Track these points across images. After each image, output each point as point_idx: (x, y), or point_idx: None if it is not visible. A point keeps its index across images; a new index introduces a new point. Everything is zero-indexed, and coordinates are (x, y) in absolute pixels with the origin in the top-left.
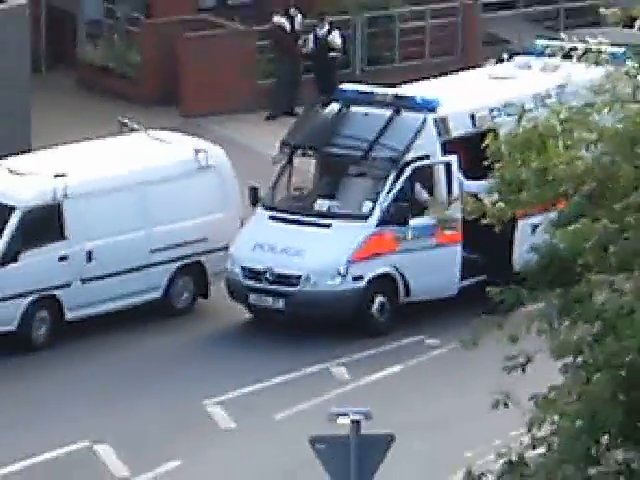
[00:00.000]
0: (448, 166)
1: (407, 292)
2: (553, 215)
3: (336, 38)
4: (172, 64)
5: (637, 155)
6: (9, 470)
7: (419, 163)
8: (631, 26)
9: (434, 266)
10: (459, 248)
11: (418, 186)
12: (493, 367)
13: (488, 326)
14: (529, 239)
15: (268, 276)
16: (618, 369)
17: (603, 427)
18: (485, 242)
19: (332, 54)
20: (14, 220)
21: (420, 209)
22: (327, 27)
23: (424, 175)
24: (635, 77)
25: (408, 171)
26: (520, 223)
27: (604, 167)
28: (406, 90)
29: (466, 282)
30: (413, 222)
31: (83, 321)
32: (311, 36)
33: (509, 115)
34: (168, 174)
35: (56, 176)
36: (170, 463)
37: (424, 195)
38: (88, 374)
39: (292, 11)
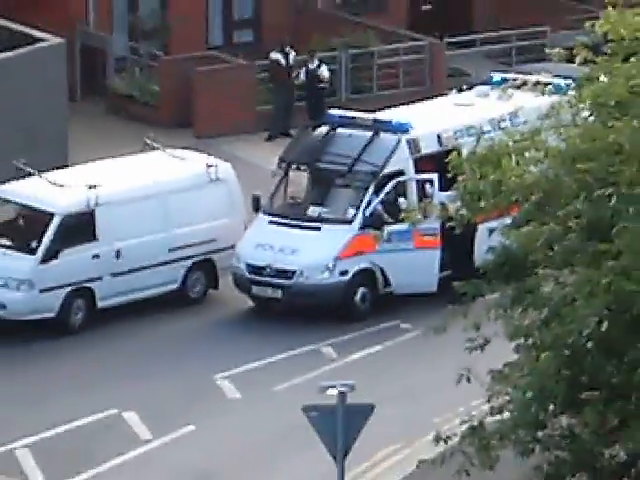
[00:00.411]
0: (431, 181)
1: (386, 284)
2: (507, 220)
3: (324, 72)
4: (186, 93)
5: (577, 170)
6: (52, 433)
7: (402, 178)
8: (572, 61)
9: (413, 266)
10: (438, 252)
11: (401, 197)
12: (457, 348)
13: (455, 314)
14: (487, 241)
15: (268, 271)
16: (562, 349)
17: (549, 398)
18: (451, 243)
19: (321, 85)
20: (54, 224)
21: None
22: (317, 62)
23: (402, 188)
24: (575, 106)
25: (391, 185)
26: (480, 227)
27: (549, 180)
28: (383, 115)
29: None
30: (392, 227)
31: (113, 309)
32: (303, 70)
33: (470, 136)
34: (184, 185)
35: (89, 187)
36: (186, 427)
37: (404, 205)
38: (117, 353)
39: (287, 48)
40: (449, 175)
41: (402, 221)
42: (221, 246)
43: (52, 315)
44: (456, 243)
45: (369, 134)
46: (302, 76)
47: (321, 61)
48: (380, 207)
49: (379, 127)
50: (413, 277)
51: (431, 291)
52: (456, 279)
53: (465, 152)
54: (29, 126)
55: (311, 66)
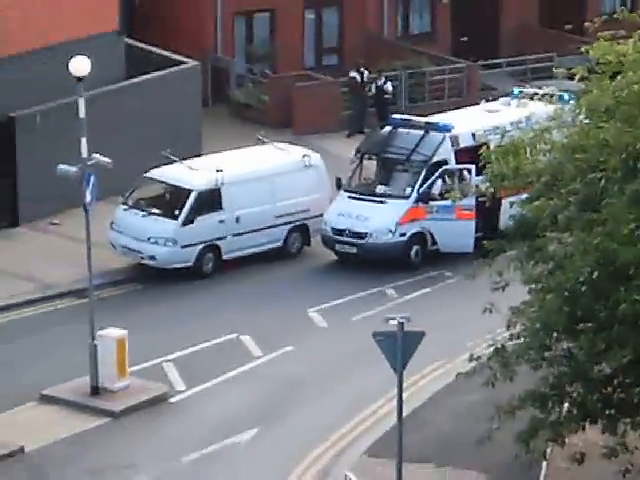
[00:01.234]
0: (469, 170)
1: (433, 244)
2: (523, 196)
3: (389, 86)
4: (288, 102)
5: (576, 159)
6: (189, 351)
7: (448, 166)
8: (573, 79)
9: (454, 232)
10: (473, 222)
11: (448, 180)
12: (485, 290)
13: (483, 265)
14: (509, 211)
15: (347, 233)
16: (563, 292)
17: (553, 327)
18: (483, 213)
19: (386, 96)
20: (192, 198)
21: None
22: (383, 79)
23: (447, 173)
24: (574, 112)
25: (440, 171)
26: (503, 201)
27: (554, 166)
28: (432, 118)
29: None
30: (439, 203)
31: (234, 260)
32: (373, 85)
33: (496, 134)
34: (286, 169)
35: (217, 171)
36: (287, 347)
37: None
38: (237, 292)
39: (361, 69)
40: (480, 164)
41: (446, 199)
42: (313, 214)
43: (190, 264)
44: (486, 213)
45: (422, 132)
46: (373, 89)
47: (387, 78)
48: (429, 187)
49: (429, 127)
50: (454, 240)
51: (468, 251)
52: (486, 239)
53: (492, 146)
54: (173, 125)
55: (379, 82)
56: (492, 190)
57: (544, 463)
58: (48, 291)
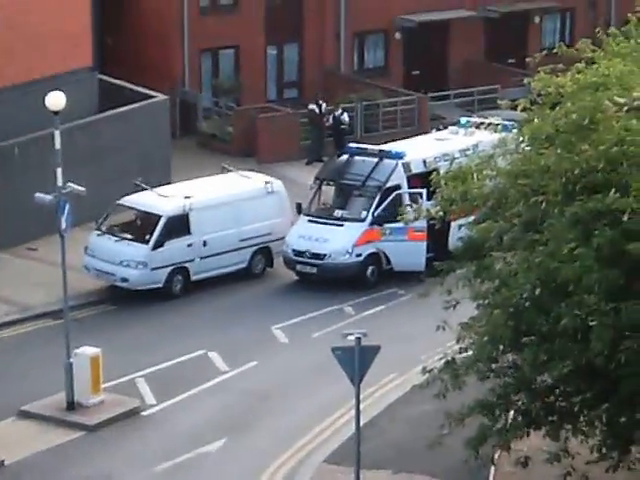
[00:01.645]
0: (421, 194)
1: (388, 264)
2: (471, 219)
3: (345, 117)
4: (252, 133)
5: (519, 184)
6: (160, 367)
7: (400, 191)
8: (516, 109)
9: (407, 252)
10: (425, 243)
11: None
12: (437, 307)
13: (435, 284)
14: (457, 233)
15: (307, 254)
16: (508, 307)
17: (500, 341)
18: (434, 235)
19: (342, 126)
20: (161, 223)
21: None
22: (340, 110)
23: (399, 198)
24: (517, 139)
25: (392, 195)
26: (452, 224)
27: (499, 191)
28: (386, 147)
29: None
30: (391, 225)
31: (202, 281)
32: (331, 116)
33: (445, 161)
34: (250, 195)
35: (185, 197)
36: (252, 362)
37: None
38: (205, 311)
39: (320, 101)
40: (431, 189)
41: (399, 221)
42: (275, 237)
43: (160, 286)
44: (437, 235)
45: (376, 160)
46: (330, 120)
47: (343, 109)
48: (383, 210)
49: (383, 155)
50: (407, 260)
51: (420, 270)
52: (436, 260)
53: (442, 172)
54: (144, 155)
55: (336, 113)
56: (442, 213)
57: (492, 467)
58: (26, 313)
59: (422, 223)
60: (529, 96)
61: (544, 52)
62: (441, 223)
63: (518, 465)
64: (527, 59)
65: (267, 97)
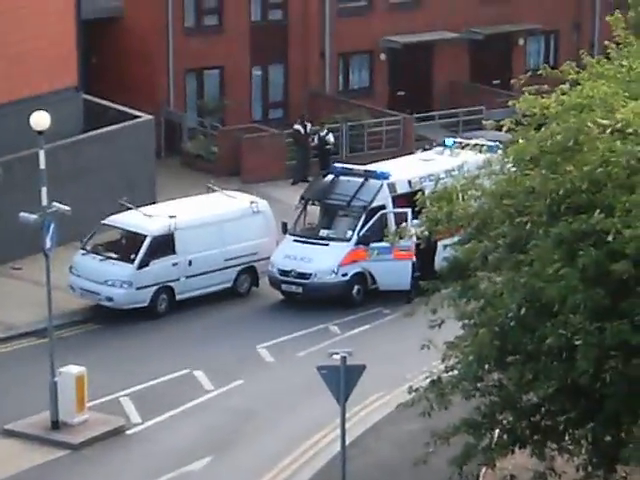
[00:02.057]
0: (406, 214)
1: (373, 283)
2: (456, 239)
3: (330, 137)
4: (237, 153)
5: (504, 204)
6: (145, 386)
7: (385, 210)
8: (500, 130)
9: (392, 272)
10: (410, 262)
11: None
12: (422, 326)
13: (420, 303)
14: (443, 253)
15: (292, 274)
16: (493, 327)
17: (485, 360)
18: (420, 255)
19: (327, 146)
20: (146, 243)
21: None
22: (325, 131)
23: (385, 218)
24: (502, 160)
25: (377, 215)
26: (438, 244)
27: (484, 211)
28: (371, 167)
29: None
30: (377, 245)
31: (187, 300)
32: (316, 136)
33: (430, 181)
34: (235, 215)
35: (170, 217)
36: (237, 381)
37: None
38: (190, 330)
39: (305, 122)
40: (416, 209)
41: (384, 241)
42: (260, 257)
43: (145, 305)
44: (423, 254)
45: (361, 180)
46: (315, 140)
47: (329, 130)
48: (369, 231)
49: (368, 175)
50: (392, 279)
51: (406, 289)
52: (423, 279)
53: (427, 192)
54: (129, 175)
55: (321, 134)
56: (427, 234)
57: None
58: (11, 331)
59: (407, 242)
60: (514, 117)
61: (529, 74)
62: (427, 243)
63: None
64: (512, 81)
65: (252, 117)
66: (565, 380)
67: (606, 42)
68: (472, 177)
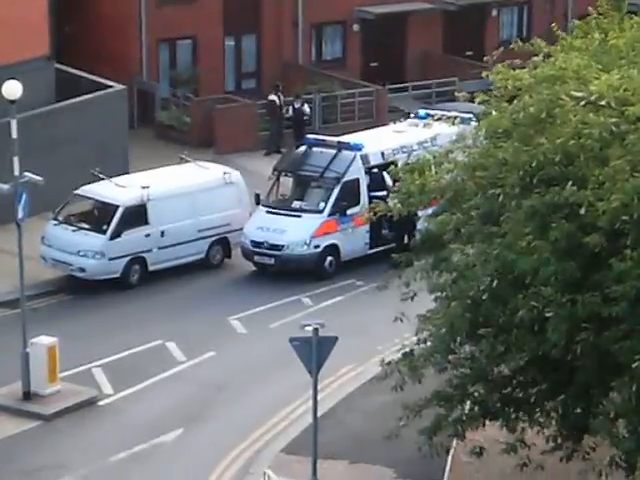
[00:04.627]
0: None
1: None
2: (429, 211)
3: (306, 109)
4: (209, 123)
5: (476, 177)
6: (117, 357)
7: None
8: (473, 101)
9: (352, 240)
10: (367, 227)
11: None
12: (395, 299)
13: (393, 276)
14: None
15: (265, 245)
16: (465, 299)
17: (457, 332)
18: (395, 228)
19: (304, 118)
20: (119, 213)
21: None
22: (301, 102)
23: (357, 189)
24: (475, 132)
25: (349, 186)
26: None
27: (457, 184)
28: (344, 138)
29: (383, 248)
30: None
31: (159, 271)
32: (291, 107)
33: (403, 153)
34: (208, 186)
35: (143, 187)
36: (209, 353)
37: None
38: (162, 301)
39: (279, 92)
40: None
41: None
42: (233, 228)
43: (117, 276)
44: (397, 227)
45: (334, 151)
46: (290, 112)
47: (304, 101)
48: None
49: (341, 146)
50: (353, 246)
51: (363, 255)
52: (396, 252)
53: (400, 164)
54: (102, 146)
55: (297, 105)
56: (399, 207)
57: (449, 457)
58: None
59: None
60: (487, 89)
61: (501, 49)
62: (399, 216)
63: (472, 455)
64: (485, 57)
65: (225, 88)
66: (536, 352)
67: (589, 8)
68: (445, 149)
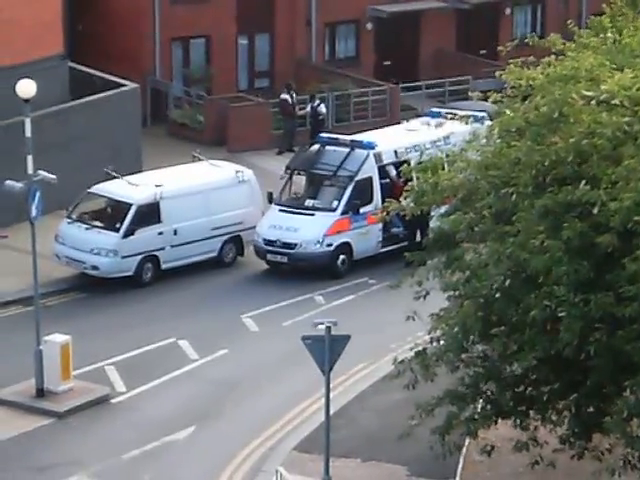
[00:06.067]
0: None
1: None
2: (442, 210)
3: (323, 108)
4: (223, 122)
5: (489, 176)
6: (130, 355)
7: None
8: (486, 100)
9: (365, 239)
10: (380, 226)
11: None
12: (408, 297)
13: (406, 275)
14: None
15: (278, 243)
16: (478, 298)
17: (470, 331)
18: (408, 226)
19: (320, 117)
20: (132, 211)
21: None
22: (318, 101)
23: (371, 188)
24: (488, 131)
25: (362, 185)
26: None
27: (470, 183)
28: (357, 137)
29: (395, 246)
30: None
31: (172, 269)
32: (309, 106)
33: (416, 152)
34: (220, 185)
35: (156, 186)
36: (222, 351)
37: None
38: (175, 299)
39: (291, 91)
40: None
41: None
42: (246, 226)
43: (130, 274)
44: (410, 226)
45: (347, 150)
46: (308, 109)
47: (321, 100)
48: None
49: (354, 145)
50: (365, 245)
51: (374, 254)
52: (409, 251)
53: (413, 163)
54: (115, 144)
55: (314, 104)
56: (412, 205)
57: (461, 456)
58: None
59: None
60: (500, 88)
61: (515, 41)
62: (412, 214)
63: (483, 453)
64: (499, 48)
65: (238, 87)
66: (549, 351)
67: (604, 6)
68: (458, 148)
